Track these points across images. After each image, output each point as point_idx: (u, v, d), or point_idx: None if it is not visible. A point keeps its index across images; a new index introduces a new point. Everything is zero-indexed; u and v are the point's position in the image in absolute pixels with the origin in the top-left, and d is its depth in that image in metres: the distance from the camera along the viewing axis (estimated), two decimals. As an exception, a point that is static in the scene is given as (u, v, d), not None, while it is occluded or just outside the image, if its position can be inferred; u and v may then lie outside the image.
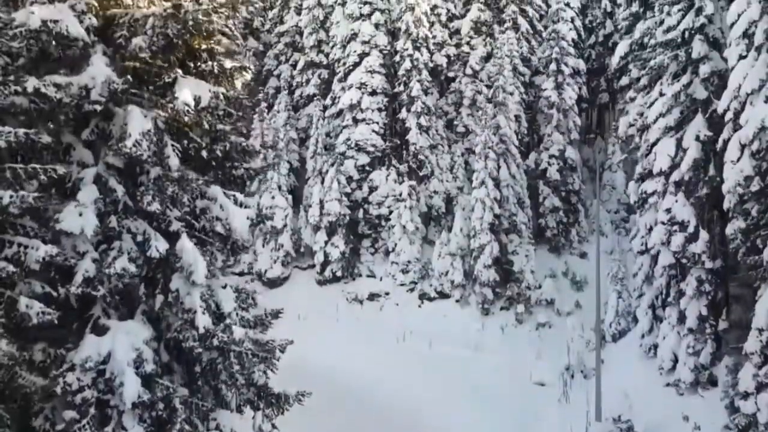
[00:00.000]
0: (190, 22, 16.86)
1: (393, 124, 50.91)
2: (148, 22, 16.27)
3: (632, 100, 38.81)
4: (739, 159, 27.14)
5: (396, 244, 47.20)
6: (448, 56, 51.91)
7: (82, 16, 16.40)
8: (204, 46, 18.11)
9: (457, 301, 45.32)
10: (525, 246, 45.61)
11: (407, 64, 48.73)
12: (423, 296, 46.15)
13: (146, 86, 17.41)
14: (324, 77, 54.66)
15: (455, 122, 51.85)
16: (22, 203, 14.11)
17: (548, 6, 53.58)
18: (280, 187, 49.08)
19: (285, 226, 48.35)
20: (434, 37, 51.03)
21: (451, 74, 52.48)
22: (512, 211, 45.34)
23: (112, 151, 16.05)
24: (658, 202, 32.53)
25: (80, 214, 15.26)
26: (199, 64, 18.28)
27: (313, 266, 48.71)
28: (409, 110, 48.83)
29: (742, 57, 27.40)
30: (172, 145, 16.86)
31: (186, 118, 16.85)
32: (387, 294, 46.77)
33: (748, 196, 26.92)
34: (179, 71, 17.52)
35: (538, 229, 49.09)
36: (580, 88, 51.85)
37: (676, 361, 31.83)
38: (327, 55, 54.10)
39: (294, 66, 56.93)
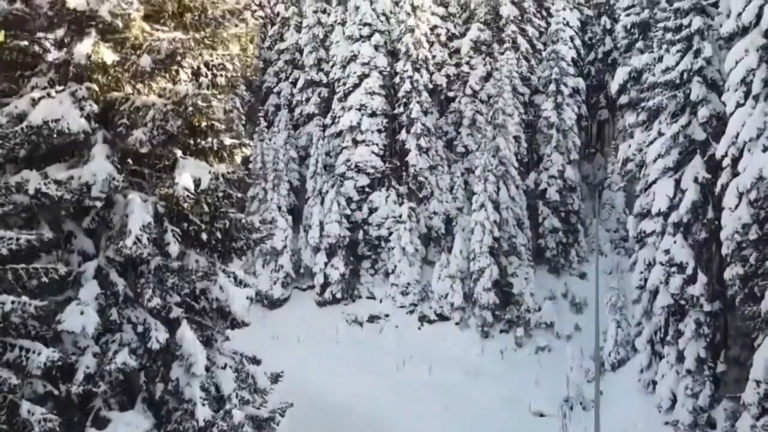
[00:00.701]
0: (190, 109, 16.91)
1: (393, 144, 50.95)
2: (148, 114, 16.33)
3: (631, 127, 38.84)
4: (737, 206, 27.18)
5: (396, 266, 47.34)
6: (447, 76, 51.97)
7: (83, 103, 16.41)
8: (204, 124, 18.15)
9: (456, 323, 45.45)
10: (525, 268, 45.72)
11: (407, 86, 48.78)
12: (423, 318, 46.35)
13: (146, 168, 17.49)
14: (324, 95, 54.77)
15: (455, 142, 52.01)
16: (23, 312, 14.24)
17: (548, 24, 53.60)
18: (279, 208, 49.28)
19: (285, 247, 48.57)
20: (434, 57, 51.12)
21: (450, 94, 52.56)
22: (512, 233, 45.40)
23: (113, 245, 16.13)
24: (657, 242, 32.58)
25: (81, 313, 15.36)
26: (199, 140, 18.33)
27: (313, 287, 48.93)
28: (408, 131, 48.90)
29: (739, 104, 27.40)
30: (172, 230, 16.94)
31: (186, 204, 16.92)
32: (387, 316, 46.94)
33: (746, 244, 26.98)
34: (179, 152, 17.60)
35: (538, 250, 49.24)
36: (579, 107, 51.95)
37: (674, 400, 31.86)
38: (327, 74, 54.14)
39: (294, 84, 57.03)
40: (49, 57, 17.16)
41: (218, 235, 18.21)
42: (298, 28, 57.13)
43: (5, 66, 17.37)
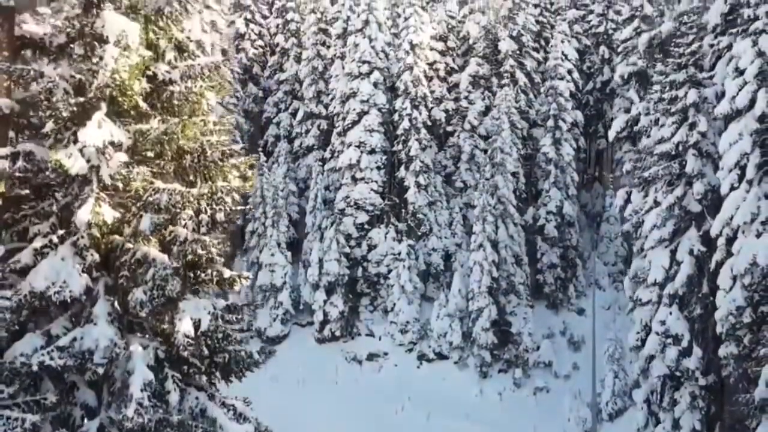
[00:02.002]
0: (190, 257, 17.20)
1: (392, 180, 51.14)
2: (148, 273, 16.59)
3: (629, 186, 39.05)
4: (731, 288, 27.63)
5: (395, 304, 47.63)
6: (446, 111, 52.12)
7: (84, 253, 16.65)
8: (204, 258, 18.40)
9: (455, 362, 45.79)
10: (523, 307, 46.08)
11: (406, 124, 48.95)
12: (422, 357, 46.65)
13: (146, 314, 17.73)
14: (323, 128, 54.88)
15: (453, 177, 52.12)
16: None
17: (546, 53, 53.75)
18: (279, 244, 49.38)
19: (284, 283, 48.76)
20: (432, 92, 51.28)
21: (449, 128, 52.70)
22: (510, 271, 45.70)
23: (114, 404, 16.44)
24: (653, 310, 32.82)
25: (83, 484, 15.76)
26: (198, 273, 18.58)
27: (312, 323, 49.09)
28: (407, 169, 49.13)
29: (734, 187, 27.78)
30: (172, 376, 17.26)
31: (186, 353, 17.22)
32: (386, 354, 47.17)
33: (740, 325, 27.40)
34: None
35: (536, 285, 49.49)
36: (577, 141, 52.13)
37: (670, 468, 32.29)
38: (326, 106, 54.25)
39: (293, 114, 57.08)
40: (51, 202, 17.42)
41: (218, 373, 18.55)
42: (298, 59, 57.17)
43: (6, 210, 17.62)
